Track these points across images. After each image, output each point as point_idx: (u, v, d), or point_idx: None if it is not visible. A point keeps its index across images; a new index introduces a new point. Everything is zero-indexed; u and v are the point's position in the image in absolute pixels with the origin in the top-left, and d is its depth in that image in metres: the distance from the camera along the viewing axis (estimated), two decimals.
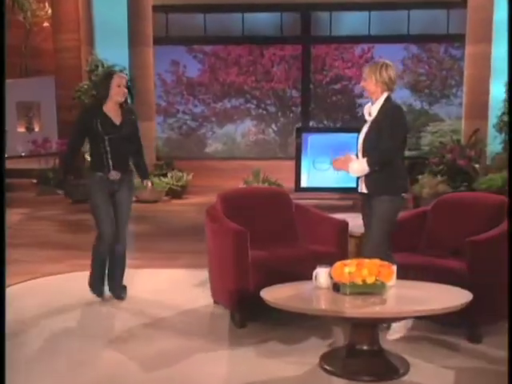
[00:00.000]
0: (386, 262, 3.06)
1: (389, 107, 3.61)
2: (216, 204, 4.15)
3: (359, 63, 11.97)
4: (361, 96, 12.15)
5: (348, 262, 3.00)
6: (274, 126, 12.67)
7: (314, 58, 12.22)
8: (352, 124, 12.06)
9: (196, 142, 12.72)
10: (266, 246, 3.88)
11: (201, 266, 4.61)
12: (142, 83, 10.50)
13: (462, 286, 3.29)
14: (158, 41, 11.29)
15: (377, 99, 3.63)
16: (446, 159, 9.13)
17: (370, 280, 2.96)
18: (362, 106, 12.11)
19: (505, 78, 9.37)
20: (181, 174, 10.33)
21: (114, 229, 4.11)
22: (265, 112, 12.61)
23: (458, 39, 11.31)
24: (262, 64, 12.34)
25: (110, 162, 4.04)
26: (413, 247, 4.03)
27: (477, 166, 8.91)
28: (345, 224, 4.00)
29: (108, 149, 4.02)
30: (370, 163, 3.57)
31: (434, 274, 3.57)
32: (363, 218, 3.74)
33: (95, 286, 4.26)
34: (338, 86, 12.34)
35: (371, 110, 3.66)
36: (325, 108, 12.33)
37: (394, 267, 3.15)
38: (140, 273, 5.13)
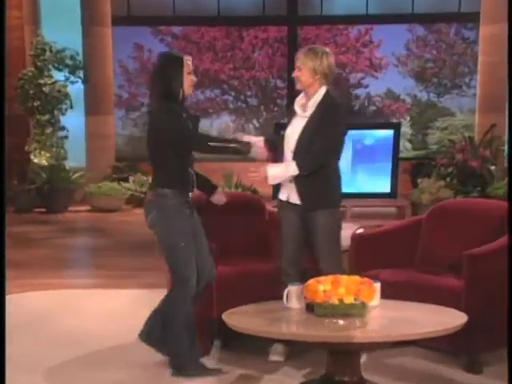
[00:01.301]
0: (367, 279, 3.17)
1: (330, 104, 3.66)
2: None
3: (355, 48, 12.10)
4: (358, 86, 12.28)
5: (323, 278, 3.10)
6: (255, 121, 12.76)
7: (303, 41, 12.29)
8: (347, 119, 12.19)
9: None
10: (234, 260, 3.98)
11: (166, 286, 4.69)
12: (99, 71, 10.57)
13: (459, 307, 3.41)
14: (117, 21, 11.35)
15: (314, 93, 3.66)
16: (456, 160, 9.25)
17: (349, 299, 3.06)
18: (359, 97, 12.26)
19: None
20: (145, 177, 10.37)
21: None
22: (245, 105, 12.69)
23: (472, 19, 11.45)
24: (241, 49, 12.42)
25: (194, 177, 3.66)
26: (405, 262, 4.15)
27: (492, 168, 9.04)
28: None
29: (191, 158, 3.67)
30: (301, 167, 3.59)
31: (427, 294, 3.69)
32: (289, 231, 3.75)
33: (192, 362, 3.55)
34: None
35: (308, 105, 3.69)
36: None
37: (378, 285, 3.26)
38: (94, 294, 5.21)
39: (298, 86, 3.71)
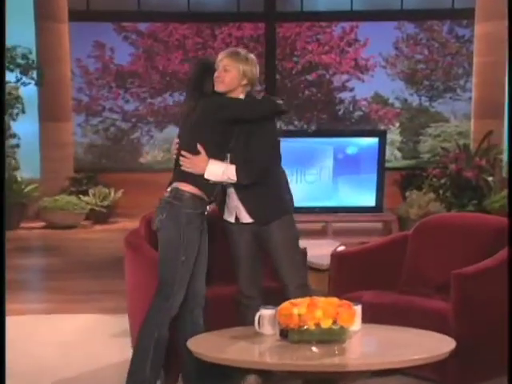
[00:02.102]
0: (347, 301, 3.23)
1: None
2: (140, 229, 4.28)
3: (339, 47, 12.24)
4: (342, 89, 12.40)
5: (298, 301, 3.15)
6: None
7: (281, 40, 12.41)
8: (330, 126, 12.24)
9: (128, 149, 12.79)
10: (211, 282, 4.00)
11: (125, 310, 4.72)
12: (55, 71, 10.55)
13: (448, 332, 3.47)
14: (76, 15, 11.36)
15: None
16: (449, 170, 9.35)
17: (326, 324, 3.11)
18: (343, 101, 12.37)
19: None
20: (107, 190, 10.41)
21: None
22: None
23: (467, 15, 11.64)
24: (213, 48, 12.46)
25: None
26: (389, 283, 4.21)
27: (490, 179, 9.14)
28: (302, 253, 4.15)
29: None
30: (243, 176, 3.64)
31: (413, 317, 3.75)
32: (241, 251, 3.80)
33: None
34: (312, 77, 12.55)
35: None
36: (296, 105, 12.50)
37: (358, 307, 3.32)
38: (48, 320, 5.21)
39: (219, 88, 3.72)
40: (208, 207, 3.72)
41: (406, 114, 12.32)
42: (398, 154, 12.24)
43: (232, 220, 3.79)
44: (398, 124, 12.31)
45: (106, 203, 10.24)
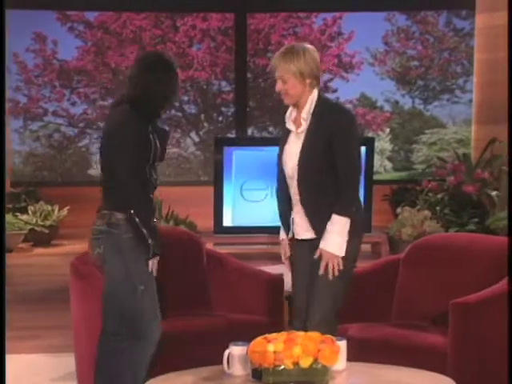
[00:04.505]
0: (330, 336, 3.24)
1: (330, 109, 3.87)
2: (88, 254, 4.26)
3: (320, 42, 12.28)
4: (324, 89, 12.44)
5: (273, 336, 3.16)
6: (194, 134, 12.82)
7: (253, 32, 12.46)
8: None
9: (75, 160, 12.73)
10: (163, 314, 4.01)
11: (72, 349, 4.70)
12: None
13: (446, 371, 3.50)
14: (11, 2, 11.28)
15: (306, 101, 3.86)
16: (447, 184, 9.42)
17: (306, 363, 3.12)
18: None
19: None
20: (49, 207, 10.34)
21: None
22: (180, 114, 12.75)
23: (466, 5, 11.73)
24: (174, 42, 12.49)
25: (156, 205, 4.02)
26: (378, 315, 4.25)
27: (493, 193, 9.21)
28: (278, 280, 4.18)
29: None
30: (345, 208, 3.81)
31: (406, 354, 3.79)
32: (298, 274, 3.93)
33: None
34: None
35: (301, 117, 3.88)
36: (270, 108, 12.52)
37: (343, 343, 3.34)
38: None
39: (287, 102, 3.86)
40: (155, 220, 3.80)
41: (398, 119, 12.39)
42: (388, 165, 12.29)
43: (289, 235, 4.01)
44: (388, 130, 12.35)
45: (48, 222, 10.17)
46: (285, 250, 4.06)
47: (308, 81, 3.80)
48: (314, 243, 3.87)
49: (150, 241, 3.68)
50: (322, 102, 3.87)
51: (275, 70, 3.83)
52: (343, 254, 3.80)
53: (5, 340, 3.30)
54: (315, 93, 3.85)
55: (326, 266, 3.79)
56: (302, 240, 3.94)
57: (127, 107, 3.75)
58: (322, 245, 3.81)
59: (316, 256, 3.83)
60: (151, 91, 3.76)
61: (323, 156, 3.82)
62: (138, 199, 3.71)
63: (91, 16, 12.41)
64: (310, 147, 3.84)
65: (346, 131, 3.84)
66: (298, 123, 3.90)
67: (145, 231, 3.67)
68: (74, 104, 12.47)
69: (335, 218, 3.78)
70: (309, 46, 3.90)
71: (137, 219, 3.66)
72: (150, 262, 3.72)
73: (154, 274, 3.75)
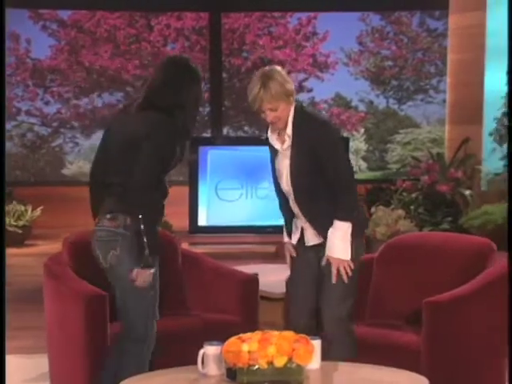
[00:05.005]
0: (304, 336, 3.25)
1: (307, 121, 3.90)
2: (62, 254, 4.26)
3: (295, 41, 12.31)
4: (299, 89, 12.47)
5: (247, 336, 3.17)
6: None
7: (228, 32, 12.45)
8: None
9: (48, 159, 12.66)
10: None
11: (45, 350, 4.69)
12: None
13: (419, 369, 3.52)
14: None
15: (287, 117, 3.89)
16: (421, 183, 9.47)
17: (280, 362, 3.14)
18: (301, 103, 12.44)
19: (506, 62, 9.73)
20: (23, 207, 10.29)
21: None
22: None
23: (439, 6, 11.80)
24: (149, 41, 12.47)
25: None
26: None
27: (467, 192, 9.28)
28: (253, 280, 4.19)
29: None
30: (347, 213, 3.88)
31: (380, 353, 3.82)
32: (304, 276, 4.02)
33: None
34: None
35: (286, 133, 3.91)
36: (245, 108, 12.48)
37: (317, 342, 3.35)
38: None
39: (279, 126, 3.89)
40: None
41: (372, 119, 12.43)
42: (363, 165, 12.33)
43: (294, 241, 4.13)
44: (362, 130, 12.39)
45: (21, 223, 10.12)
46: (290, 252, 4.17)
47: (292, 98, 3.85)
48: (321, 246, 3.98)
49: (146, 251, 3.70)
50: (298, 112, 3.89)
51: (260, 104, 3.81)
52: (350, 257, 3.88)
53: (5, 340, 3.28)
54: (292, 108, 3.88)
55: (338, 271, 3.86)
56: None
57: (162, 115, 3.79)
58: (329, 252, 3.90)
59: (324, 263, 3.93)
60: (191, 102, 3.88)
61: (313, 170, 3.88)
62: (149, 207, 3.77)
63: (65, 15, 12.34)
64: (299, 164, 3.89)
65: (327, 143, 3.87)
66: (282, 139, 3.93)
67: (145, 240, 3.70)
68: (47, 103, 12.40)
69: (337, 223, 3.86)
70: (270, 67, 3.96)
71: (142, 226, 3.69)
72: (135, 271, 3.74)
73: (139, 285, 3.75)
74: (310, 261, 4.04)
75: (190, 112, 3.86)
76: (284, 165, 3.90)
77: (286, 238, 4.16)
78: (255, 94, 3.80)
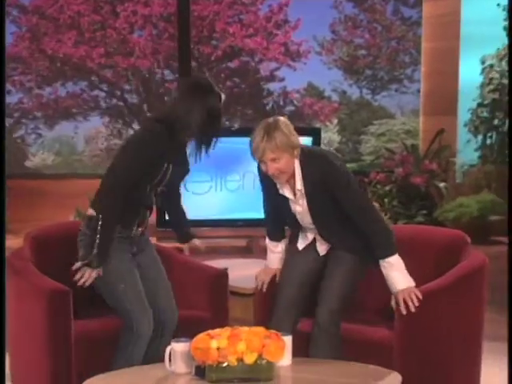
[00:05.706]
0: (275, 332, 3.26)
1: (312, 162, 3.98)
2: (23, 249, 4.24)
3: (266, 29, 12.28)
4: (271, 79, 12.48)
5: (216, 332, 3.17)
6: (136, 125, 12.71)
7: (197, 20, 12.41)
8: (256, 123, 12.27)
9: (10, 151, 12.56)
10: (101, 312, 4.00)
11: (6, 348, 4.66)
12: None
13: (392, 365, 3.55)
14: None
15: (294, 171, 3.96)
16: (395, 175, 9.52)
17: (250, 359, 3.14)
18: (272, 93, 12.44)
19: (480, 51, 9.84)
20: None
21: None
22: (122, 103, 12.65)
23: None
24: (114, 28, 12.38)
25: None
26: None
27: (441, 185, 9.34)
28: (222, 275, 4.19)
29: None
30: (389, 248, 3.99)
31: (352, 349, 3.83)
32: (299, 274, 4.13)
33: None
34: (234, 65, 12.57)
35: (296, 182, 3.97)
36: None
37: (288, 338, 3.36)
38: None
39: (282, 181, 3.93)
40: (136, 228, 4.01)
41: (345, 109, 12.43)
42: None
43: (300, 247, 4.22)
44: (335, 121, 12.40)
45: None
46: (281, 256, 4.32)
47: (296, 152, 3.88)
48: None
49: (94, 250, 3.71)
50: (307, 155, 3.97)
51: (263, 154, 3.83)
52: (414, 283, 3.93)
53: (4, 340, 3.26)
54: (297, 161, 3.93)
55: (405, 301, 3.88)
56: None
57: (162, 126, 3.93)
58: (393, 289, 3.94)
59: (393, 303, 3.97)
60: (189, 113, 4.03)
61: (333, 204, 3.94)
62: (109, 210, 3.79)
63: (26, 0, 12.25)
64: (318, 206, 3.97)
65: (339, 181, 3.92)
66: (292, 191, 4.00)
67: (97, 240, 3.73)
68: (8, 93, 12.28)
69: (387, 261, 3.94)
70: (275, 118, 4.00)
71: (99, 223, 3.72)
72: (75, 265, 3.81)
73: (76, 280, 3.81)
74: (311, 258, 4.16)
75: (189, 124, 3.92)
76: (301, 206, 4.00)
77: (267, 240, 4.24)
78: (258, 143, 3.83)
